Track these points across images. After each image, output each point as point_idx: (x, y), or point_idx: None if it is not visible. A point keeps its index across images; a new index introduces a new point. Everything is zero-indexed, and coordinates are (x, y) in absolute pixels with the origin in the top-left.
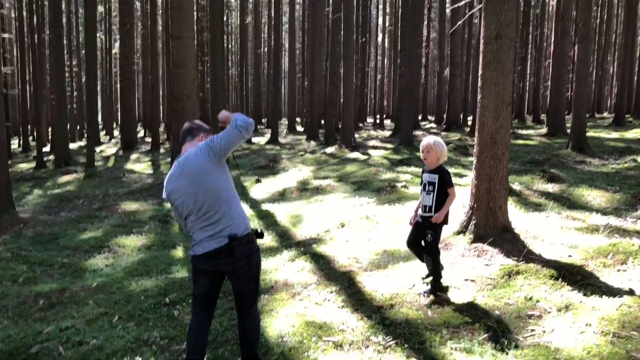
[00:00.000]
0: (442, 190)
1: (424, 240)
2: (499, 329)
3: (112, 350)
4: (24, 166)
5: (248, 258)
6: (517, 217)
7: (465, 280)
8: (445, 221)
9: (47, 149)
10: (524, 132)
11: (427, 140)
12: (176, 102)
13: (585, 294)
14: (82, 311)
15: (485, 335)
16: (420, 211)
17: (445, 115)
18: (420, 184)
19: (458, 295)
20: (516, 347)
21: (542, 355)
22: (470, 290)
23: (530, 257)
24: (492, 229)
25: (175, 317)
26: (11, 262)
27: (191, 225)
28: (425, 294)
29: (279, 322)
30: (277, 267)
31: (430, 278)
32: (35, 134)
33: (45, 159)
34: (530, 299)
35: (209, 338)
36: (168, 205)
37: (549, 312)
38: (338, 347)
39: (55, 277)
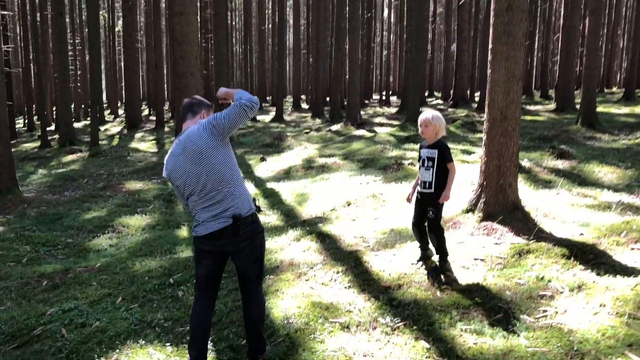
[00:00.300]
0: (441, 165)
1: (427, 218)
2: (510, 310)
3: (115, 332)
4: (28, 145)
5: (252, 238)
6: (527, 195)
7: (475, 259)
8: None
9: (52, 128)
10: (532, 107)
11: (425, 114)
12: (179, 80)
13: (598, 274)
14: (86, 292)
15: (496, 316)
16: (419, 188)
17: (452, 92)
18: (418, 160)
19: (467, 275)
20: (527, 328)
21: (555, 337)
22: (480, 269)
23: (541, 235)
24: (502, 207)
25: (179, 298)
26: (15, 242)
27: (193, 205)
28: (433, 275)
29: (285, 303)
30: (282, 247)
31: (420, 263)
32: (39, 113)
33: (50, 138)
34: (542, 278)
35: (214, 319)
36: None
37: (561, 292)
38: (345, 328)
39: (59, 257)
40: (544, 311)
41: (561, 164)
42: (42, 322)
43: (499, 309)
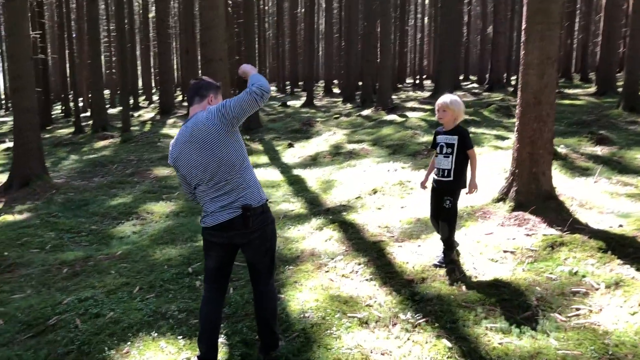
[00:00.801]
0: (461, 152)
1: (442, 207)
2: (539, 308)
3: (128, 324)
4: (63, 131)
5: (263, 230)
6: (562, 183)
7: (504, 252)
8: (464, 185)
9: (88, 114)
10: (571, 91)
11: (443, 98)
12: (206, 65)
13: (638, 269)
14: (104, 281)
15: (525, 314)
16: (435, 176)
17: (487, 75)
18: (434, 147)
19: (495, 268)
20: (558, 328)
21: (588, 339)
22: (509, 263)
23: (576, 226)
24: (534, 197)
25: (196, 287)
26: (40, 228)
27: (201, 195)
28: (437, 266)
29: (303, 295)
30: (304, 236)
31: (442, 258)
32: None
33: (85, 124)
34: (576, 273)
35: (229, 311)
36: None
37: (597, 289)
38: (363, 324)
39: (82, 244)
40: (577, 309)
41: (600, 150)
42: (57, 311)
43: (527, 306)
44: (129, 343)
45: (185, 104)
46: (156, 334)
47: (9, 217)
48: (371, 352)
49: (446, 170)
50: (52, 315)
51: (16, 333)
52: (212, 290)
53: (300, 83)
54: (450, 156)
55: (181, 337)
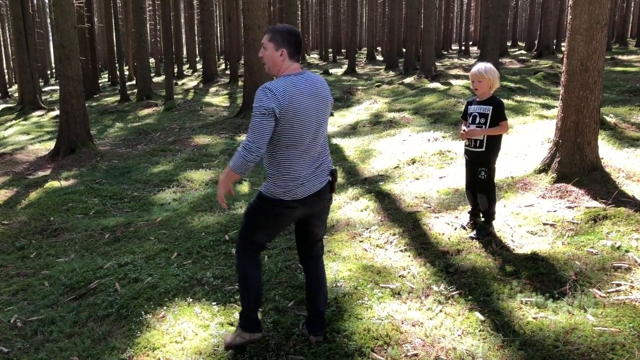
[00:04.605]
0: (494, 123)
1: (478, 179)
2: (577, 283)
3: (165, 289)
4: (110, 100)
5: (332, 196)
6: (610, 154)
7: (544, 224)
8: (496, 154)
9: (134, 82)
10: (625, 57)
11: (477, 67)
12: (247, 33)
13: None
14: (143, 247)
15: (561, 289)
16: (466, 146)
17: (536, 41)
18: (465, 117)
19: (534, 241)
20: (596, 304)
21: (628, 317)
22: (549, 236)
23: (621, 199)
24: (578, 168)
25: (232, 255)
26: (84, 194)
27: (296, 158)
28: (474, 238)
29: (336, 264)
30: (340, 206)
31: (479, 230)
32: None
33: (130, 92)
34: (618, 248)
35: (263, 279)
36: (240, 138)
37: None
38: (395, 295)
39: (124, 210)
40: (618, 285)
41: None
42: (98, 275)
43: (565, 281)
44: (165, 308)
45: (228, 72)
46: (191, 300)
47: (56, 184)
48: (402, 323)
49: (478, 141)
50: (93, 279)
51: (60, 295)
52: (257, 260)
53: (343, 50)
54: (483, 126)
55: (215, 303)
